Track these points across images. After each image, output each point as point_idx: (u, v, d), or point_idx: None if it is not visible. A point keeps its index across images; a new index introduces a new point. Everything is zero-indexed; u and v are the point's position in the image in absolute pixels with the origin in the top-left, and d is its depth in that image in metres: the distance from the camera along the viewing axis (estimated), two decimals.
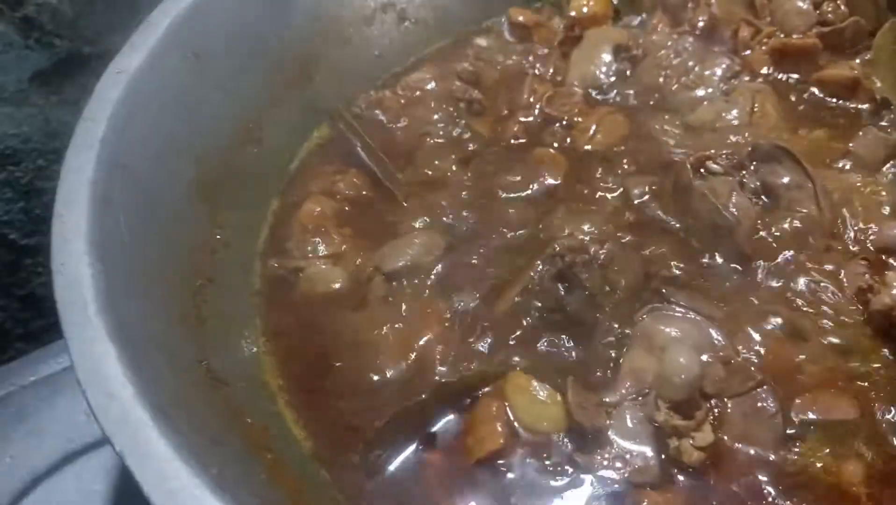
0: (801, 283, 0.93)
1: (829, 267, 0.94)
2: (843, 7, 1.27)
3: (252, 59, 1.20)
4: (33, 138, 1.53)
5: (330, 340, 0.96)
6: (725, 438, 0.83)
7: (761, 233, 0.97)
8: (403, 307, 0.96)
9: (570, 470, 0.82)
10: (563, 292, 0.91)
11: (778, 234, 0.97)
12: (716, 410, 0.84)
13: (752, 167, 1.02)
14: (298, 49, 1.28)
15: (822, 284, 0.92)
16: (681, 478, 0.81)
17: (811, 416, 0.83)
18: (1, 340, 1.54)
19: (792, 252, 0.95)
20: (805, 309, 0.91)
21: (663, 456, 0.82)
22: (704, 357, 0.87)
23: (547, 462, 0.83)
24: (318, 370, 0.93)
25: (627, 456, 0.82)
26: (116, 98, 0.98)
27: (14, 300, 1.56)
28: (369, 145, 1.16)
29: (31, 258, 1.54)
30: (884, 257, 0.96)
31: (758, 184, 1.01)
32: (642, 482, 0.81)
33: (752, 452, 0.82)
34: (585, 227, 1.01)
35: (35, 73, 1.55)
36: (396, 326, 0.94)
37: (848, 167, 1.06)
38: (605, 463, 0.82)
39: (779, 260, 0.95)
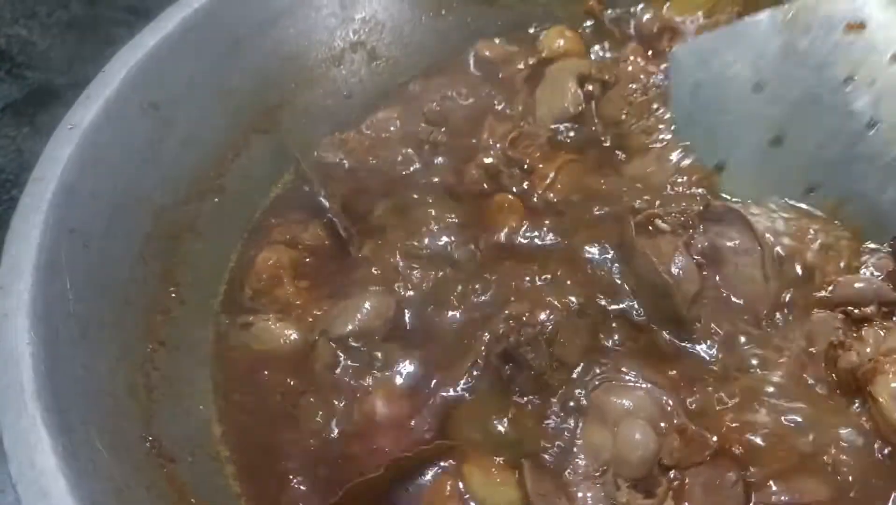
0: (744, 350, 0.92)
1: (772, 334, 0.92)
2: None
3: (214, 106, 1.19)
4: (6, 169, 1.53)
5: (281, 406, 0.94)
6: None
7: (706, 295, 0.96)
8: (350, 378, 0.95)
9: None
10: (508, 372, 0.89)
11: (723, 298, 0.95)
12: (675, 483, 0.83)
13: (701, 227, 1.00)
14: (263, 93, 1.26)
15: (763, 352, 0.91)
16: None
17: (781, 498, 0.81)
18: None
19: (735, 317, 0.94)
20: (752, 375, 0.89)
21: None
22: (662, 424, 0.85)
23: None
24: (269, 439, 0.92)
25: None
26: (67, 156, 0.97)
27: None
28: (329, 194, 1.14)
29: None
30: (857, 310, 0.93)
31: (706, 245, 0.99)
32: None
33: None
34: (533, 289, 0.99)
35: (7, 104, 1.55)
36: (346, 395, 0.93)
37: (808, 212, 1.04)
38: None
39: (722, 326, 0.93)
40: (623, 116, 1.24)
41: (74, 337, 0.85)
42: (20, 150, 1.55)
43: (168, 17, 1.16)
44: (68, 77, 1.65)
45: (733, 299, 0.97)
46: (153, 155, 1.08)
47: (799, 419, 0.85)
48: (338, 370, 0.96)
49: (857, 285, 0.94)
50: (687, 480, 0.82)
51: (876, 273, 0.96)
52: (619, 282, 0.99)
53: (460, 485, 0.84)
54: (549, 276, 1.00)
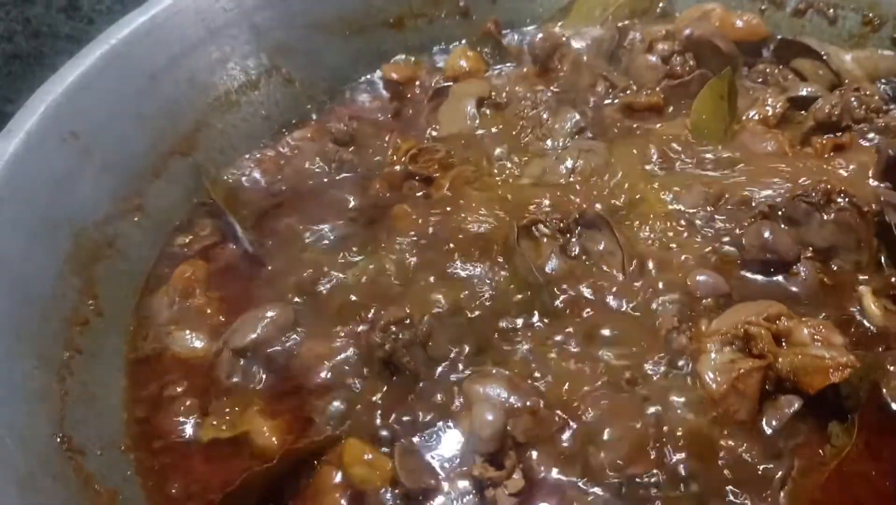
0: (606, 336, 1.02)
1: (628, 324, 1.03)
2: (691, 61, 1.37)
3: (134, 133, 1.28)
4: None
5: (186, 408, 1.04)
6: (537, 479, 0.92)
7: (572, 291, 1.07)
8: (250, 385, 1.05)
9: None
10: (389, 374, 1.01)
11: (588, 294, 1.06)
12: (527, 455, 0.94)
13: (577, 231, 1.12)
14: (182, 118, 1.37)
15: (622, 339, 1.02)
16: None
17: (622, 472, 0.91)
18: None
19: (596, 310, 1.05)
20: (615, 362, 1.00)
21: None
22: (517, 405, 0.96)
23: None
24: (174, 436, 1.02)
25: None
26: None
27: None
28: (238, 213, 1.24)
29: None
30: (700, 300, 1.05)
31: (577, 249, 1.11)
32: None
33: (561, 487, 0.91)
34: (414, 291, 1.09)
35: None
36: (245, 401, 1.03)
37: (674, 218, 1.15)
38: None
39: (585, 317, 1.04)
40: (519, 129, 1.35)
41: None
42: None
43: (86, 54, 1.26)
44: (16, 106, 1.73)
45: (598, 293, 1.08)
46: (73, 181, 1.17)
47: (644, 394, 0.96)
48: (235, 380, 1.06)
49: (699, 278, 1.05)
50: (535, 454, 0.93)
51: None
52: (495, 280, 1.10)
53: (341, 475, 0.95)
54: (431, 278, 1.11)
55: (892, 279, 1.06)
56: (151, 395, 1.08)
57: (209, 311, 1.15)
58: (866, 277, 1.06)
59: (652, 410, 0.95)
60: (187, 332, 1.12)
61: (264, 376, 1.06)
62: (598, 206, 1.15)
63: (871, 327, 1.01)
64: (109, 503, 0.92)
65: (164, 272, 1.22)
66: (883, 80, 1.35)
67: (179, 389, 1.07)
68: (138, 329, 1.16)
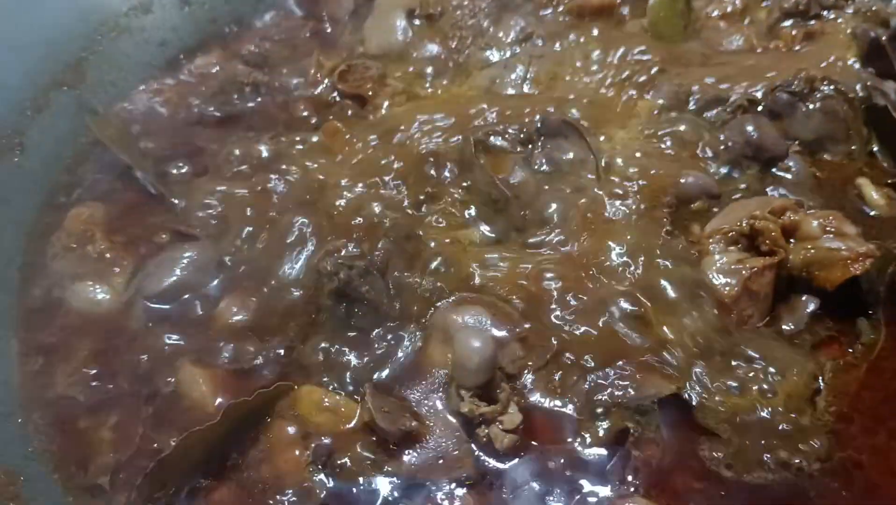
0: (586, 248, 0.89)
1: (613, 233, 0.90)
2: None
3: (8, 63, 1.09)
4: None
5: (98, 367, 0.86)
6: (534, 412, 0.78)
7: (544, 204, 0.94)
8: (169, 337, 0.87)
9: (383, 478, 0.76)
10: (344, 309, 0.84)
11: (559, 204, 0.93)
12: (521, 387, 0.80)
13: (539, 142, 0.99)
14: (64, 47, 1.17)
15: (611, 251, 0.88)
16: (496, 464, 0.76)
17: (629, 392, 0.78)
18: None
19: (573, 220, 0.92)
20: (605, 280, 0.86)
21: (475, 446, 0.77)
22: (505, 333, 0.82)
23: (358, 476, 0.76)
24: (83, 402, 0.83)
25: (440, 453, 0.77)
26: None
27: None
28: (130, 151, 1.06)
29: None
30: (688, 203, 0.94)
31: (543, 160, 0.98)
32: (459, 477, 0.75)
33: (563, 419, 0.78)
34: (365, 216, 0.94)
35: None
36: (165, 355, 0.85)
37: (644, 119, 1.03)
38: (417, 464, 0.76)
39: (561, 231, 0.91)
40: (457, 42, 1.20)
41: None
42: None
43: None
44: None
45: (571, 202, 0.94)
46: None
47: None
48: (150, 325, 0.88)
49: (686, 179, 0.94)
50: (530, 384, 0.79)
51: None
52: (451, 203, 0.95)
53: (296, 428, 0.79)
54: (382, 203, 0.95)
55: (888, 167, 0.97)
56: (49, 359, 0.88)
57: (114, 257, 0.95)
58: (861, 168, 0.97)
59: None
60: (89, 283, 0.93)
61: (189, 326, 0.88)
62: (561, 111, 1.01)
63: (877, 218, 0.92)
64: (7, 485, 0.73)
65: (53, 218, 1.02)
66: None
67: (83, 351, 0.87)
68: (27, 283, 0.95)
